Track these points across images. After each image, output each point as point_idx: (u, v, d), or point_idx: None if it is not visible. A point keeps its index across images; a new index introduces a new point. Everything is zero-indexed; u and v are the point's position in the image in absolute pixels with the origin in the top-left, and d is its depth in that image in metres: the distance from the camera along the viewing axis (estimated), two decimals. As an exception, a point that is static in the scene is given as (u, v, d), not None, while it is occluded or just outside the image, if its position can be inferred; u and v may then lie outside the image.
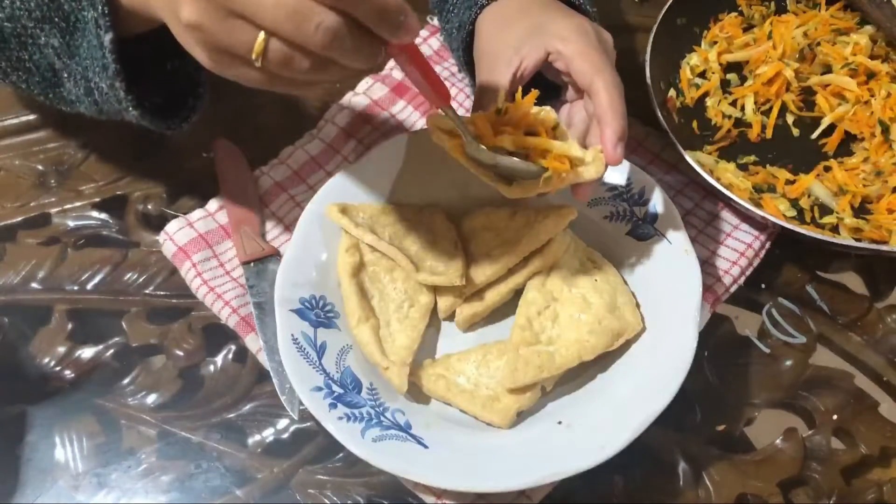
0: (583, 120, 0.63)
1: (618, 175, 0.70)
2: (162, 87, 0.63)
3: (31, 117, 0.79)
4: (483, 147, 0.57)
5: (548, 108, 0.60)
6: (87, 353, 0.68)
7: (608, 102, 0.58)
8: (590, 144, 0.61)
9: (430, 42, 0.86)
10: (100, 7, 0.54)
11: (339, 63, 0.47)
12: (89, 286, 0.71)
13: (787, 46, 0.83)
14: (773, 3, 0.88)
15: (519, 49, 0.62)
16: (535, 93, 0.59)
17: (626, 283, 0.68)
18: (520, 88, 0.60)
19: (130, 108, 0.58)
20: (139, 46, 0.59)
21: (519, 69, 0.62)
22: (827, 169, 0.78)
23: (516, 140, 0.58)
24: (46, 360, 0.68)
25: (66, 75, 0.61)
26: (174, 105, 0.64)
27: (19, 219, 0.75)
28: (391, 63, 0.84)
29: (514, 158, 0.58)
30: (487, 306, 0.67)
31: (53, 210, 0.75)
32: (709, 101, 0.84)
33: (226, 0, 0.44)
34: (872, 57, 0.82)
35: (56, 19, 0.58)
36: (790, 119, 0.82)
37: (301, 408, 0.65)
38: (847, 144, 0.80)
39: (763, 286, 0.74)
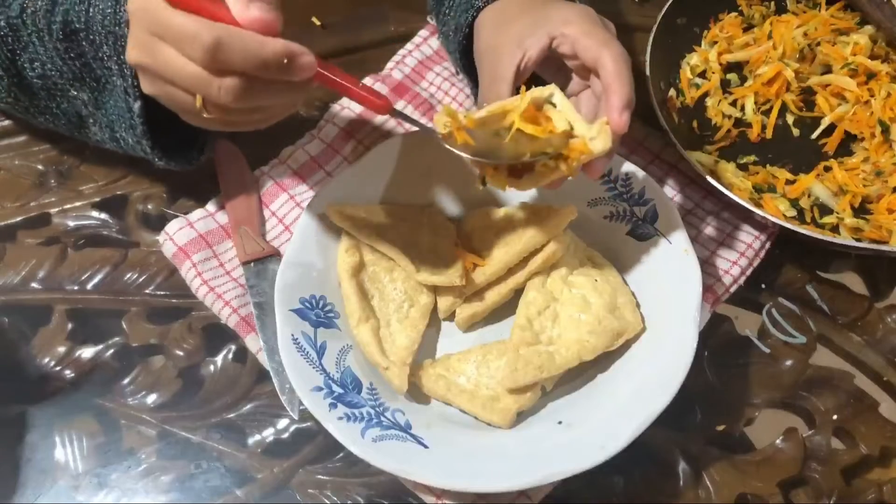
0: (590, 111, 0.63)
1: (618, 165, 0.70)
2: (176, 129, 0.68)
3: (31, 117, 0.79)
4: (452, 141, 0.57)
5: (552, 85, 0.59)
6: (87, 353, 0.68)
7: (615, 71, 0.58)
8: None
9: (429, 42, 0.86)
10: (129, 79, 0.59)
11: (267, 104, 0.53)
12: (89, 286, 0.71)
13: (787, 46, 0.83)
14: (773, 3, 0.88)
15: (521, 42, 0.62)
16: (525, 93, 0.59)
17: (626, 283, 0.68)
18: (522, 87, 0.59)
19: (156, 160, 0.65)
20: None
21: (522, 61, 0.62)
22: (827, 169, 0.78)
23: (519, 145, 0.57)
24: (46, 360, 0.68)
25: (91, 121, 0.66)
26: (188, 140, 0.69)
27: (19, 219, 0.75)
28: (391, 63, 0.84)
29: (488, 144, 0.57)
30: (487, 306, 0.67)
31: (53, 210, 0.75)
32: (709, 101, 0.84)
33: (159, 73, 0.51)
34: (872, 57, 0.82)
35: (87, 79, 0.63)
36: (790, 119, 0.82)
37: (301, 408, 0.65)
38: (847, 144, 0.80)
39: (763, 286, 0.74)
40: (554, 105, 0.59)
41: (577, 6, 0.64)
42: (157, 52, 0.50)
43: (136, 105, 0.60)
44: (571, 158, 0.56)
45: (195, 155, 0.69)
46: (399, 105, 0.80)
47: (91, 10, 0.61)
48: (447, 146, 0.57)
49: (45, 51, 0.63)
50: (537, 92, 0.59)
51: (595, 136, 0.57)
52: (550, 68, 0.65)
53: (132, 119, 0.62)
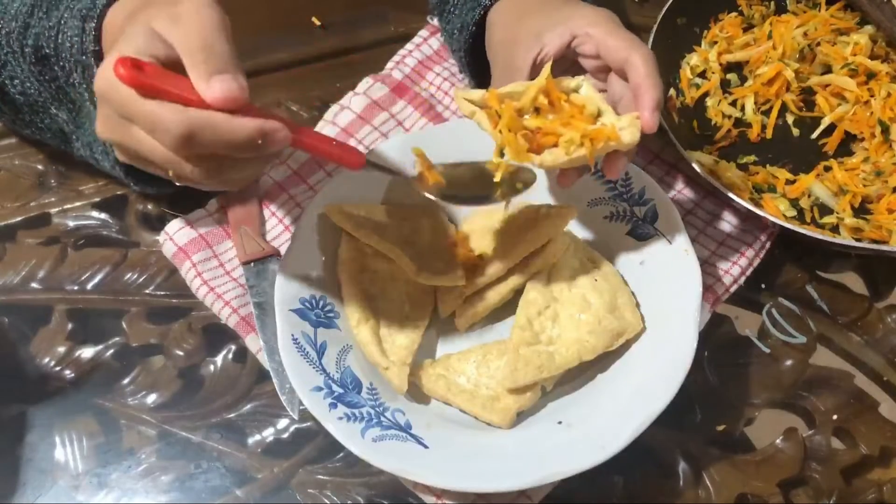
0: None
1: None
2: None
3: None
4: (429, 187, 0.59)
5: (581, 76, 0.59)
6: (87, 353, 0.68)
7: (647, 72, 0.58)
8: None
9: (430, 42, 0.86)
10: None
11: (239, 177, 0.51)
12: (89, 286, 0.71)
13: (787, 46, 0.83)
14: (773, 3, 0.88)
15: (540, 36, 0.62)
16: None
17: (626, 283, 0.68)
18: (549, 65, 0.58)
19: (132, 185, 0.66)
20: None
21: (539, 55, 0.62)
22: (827, 169, 0.78)
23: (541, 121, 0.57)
24: (46, 360, 0.68)
25: (74, 138, 0.66)
26: None
27: (19, 219, 0.75)
28: (391, 63, 0.84)
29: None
30: (487, 306, 0.67)
31: (53, 210, 0.75)
32: (709, 101, 0.84)
33: (130, 151, 0.50)
34: (872, 57, 0.82)
35: (64, 100, 0.62)
36: (790, 119, 0.82)
37: (301, 408, 0.64)
38: (847, 144, 0.80)
39: (763, 286, 0.74)
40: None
41: (600, 8, 0.64)
42: (128, 133, 0.48)
43: None
44: (597, 141, 0.56)
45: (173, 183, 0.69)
46: (399, 105, 0.80)
47: (60, 36, 0.59)
48: (420, 189, 0.59)
49: (21, 71, 0.62)
50: (565, 81, 0.58)
51: (624, 127, 0.56)
52: (560, 67, 0.65)
53: (104, 146, 0.61)
